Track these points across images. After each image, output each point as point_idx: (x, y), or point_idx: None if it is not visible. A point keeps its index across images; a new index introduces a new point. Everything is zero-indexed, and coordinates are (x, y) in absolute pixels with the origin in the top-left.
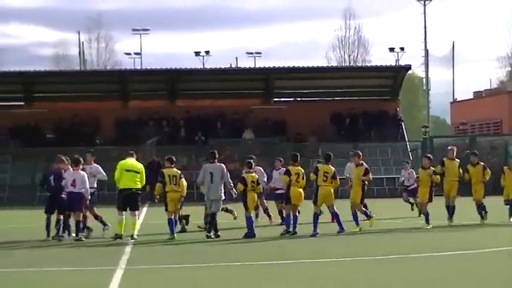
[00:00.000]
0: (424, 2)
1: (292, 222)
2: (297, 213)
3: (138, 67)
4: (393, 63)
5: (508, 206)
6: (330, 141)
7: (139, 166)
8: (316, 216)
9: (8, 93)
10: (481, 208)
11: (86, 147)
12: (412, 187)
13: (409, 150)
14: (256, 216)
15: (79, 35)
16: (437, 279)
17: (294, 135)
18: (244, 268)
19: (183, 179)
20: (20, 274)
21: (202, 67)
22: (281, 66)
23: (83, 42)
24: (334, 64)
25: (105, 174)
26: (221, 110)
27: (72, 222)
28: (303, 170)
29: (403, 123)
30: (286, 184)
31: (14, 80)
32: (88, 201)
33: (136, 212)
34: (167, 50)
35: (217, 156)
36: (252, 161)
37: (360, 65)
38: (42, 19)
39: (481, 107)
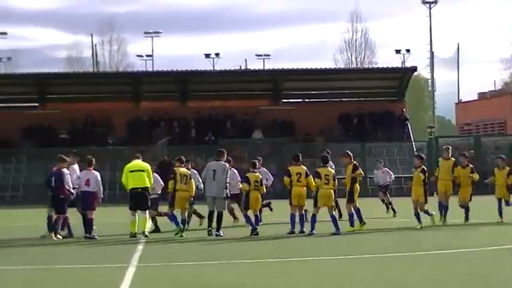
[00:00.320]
0: (430, 5)
1: (298, 221)
2: (303, 212)
3: (150, 69)
4: (399, 65)
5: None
6: (338, 142)
7: (144, 165)
8: (313, 218)
9: (23, 95)
10: (466, 209)
11: (99, 147)
12: (384, 184)
13: (414, 150)
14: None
15: (92, 37)
16: (444, 277)
17: (302, 136)
18: (252, 265)
19: (193, 179)
20: (34, 272)
21: (212, 69)
22: (289, 68)
23: (95, 44)
24: (342, 66)
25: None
26: (231, 110)
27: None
28: (305, 168)
29: (409, 124)
30: (288, 185)
31: (28, 82)
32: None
33: (147, 211)
34: (178, 52)
35: (225, 155)
36: (256, 161)
37: (366, 66)
38: (57, 22)
39: (486, 108)
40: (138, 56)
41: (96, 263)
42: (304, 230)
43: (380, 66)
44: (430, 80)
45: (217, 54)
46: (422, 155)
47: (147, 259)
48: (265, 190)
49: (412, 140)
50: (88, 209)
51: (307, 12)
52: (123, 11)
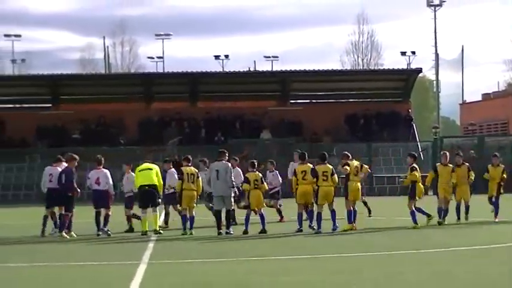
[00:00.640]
0: (435, 8)
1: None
2: (313, 209)
3: (161, 70)
4: (405, 67)
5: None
6: (344, 141)
7: (153, 165)
8: (319, 215)
9: (37, 96)
10: (459, 209)
11: (111, 147)
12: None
13: (420, 149)
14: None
15: (104, 39)
16: (449, 274)
17: (309, 136)
18: (260, 263)
19: (200, 178)
20: (47, 269)
21: (221, 70)
22: (297, 69)
23: (108, 46)
24: (348, 67)
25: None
26: (240, 111)
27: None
28: (311, 166)
29: (414, 124)
30: (294, 184)
31: (42, 83)
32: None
33: (158, 208)
34: (188, 54)
35: (226, 155)
36: (255, 161)
37: (372, 68)
38: (69, 25)
39: (489, 109)
40: (149, 57)
41: (108, 260)
42: (313, 225)
43: (386, 67)
44: (435, 81)
45: (226, 56)
46: (414, 153)
47: (157, 257)
48: (266, 188)
49: (418, 140)
50: (102, 206)
51: (315, 15)
52: (134, 14)
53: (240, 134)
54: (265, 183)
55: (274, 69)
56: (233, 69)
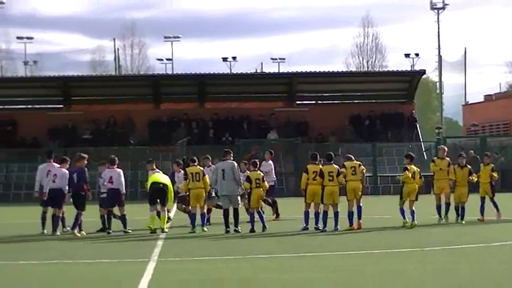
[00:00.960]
0: (438, 11)
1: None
2: (319, 210)
3: (170, 72)
4: (409, 68)
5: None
6: (349, 142)
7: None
8: (325, 214)
9: (48, 97)
10: (461, 210)
11: (121, 147)
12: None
13: (423, 149)
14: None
15: (114, 42)
16: (449, 271)
17: (315, 136)
18: (266, 260)
19: (207, 176)
20: (58, 266)
21: (229, 72)
22: (303, 71)
23: (118, 48)
24: (353, 69)
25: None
26: (247, 112)
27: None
28: (321, 167)
29: (418, 125)
30: (305, 182)
31: (53, 84)
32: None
33: (166, 208)
34: (197, 56)
35: (231, 154)
36: (257, 161)
37: (377, 70)
38: (80, 27)
39: (492, 109)
40: (158, 59)
41: (117, 257)
42: (319, 226)
43: (390, 69)
44: (438, 83)
45: (234, 58)
46: (411, 154)
47: (166, 254)
48: (267, 186)
49: (421, 140)
50: (117, 205)
51: (320, 18)
52: (144, 17)
53: (247, 134)
54: (265, 182)
55: (280, 70)
56: (240, 70)
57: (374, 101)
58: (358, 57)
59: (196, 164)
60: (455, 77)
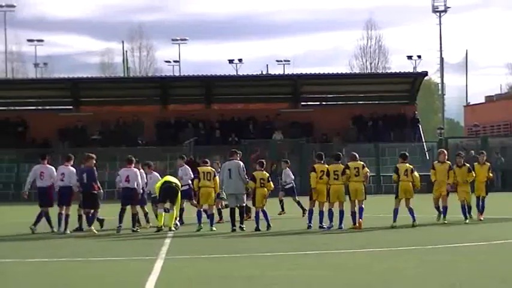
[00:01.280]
0: (440, 14)
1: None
2: (323, 209)
3: (177, 74)
4: (411, 70)
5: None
6: (353, 142)
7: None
8: (330, 212)
9: (58, 98)
10: (465, 208)
11: (129, 147)
12: (287, 186)
13: (425, 150)
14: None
15: (123, 44)
16: (452, 268)
17: (319, 137)
18: (272, 258)
19: (217, 176)
20: (68, 263)
21: (235, 74)
22: (308, 73)
23: (126, 51)
24: (357, 71)
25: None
26: (253, 113)
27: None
28: (327, 167)
29: (420, 125)
30: (314, 181)
31: (63, 86)
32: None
33: (174, 207)
34: (203, 58)
35: (237, 154)
36: (263, 161)
37: (380, 71)
38: (90, 30)
39: (492, 110)
40: (166, 61)
41: (126, 255)
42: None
43: (393, 71)
44: (440, 84)
45: (240, 60)
46: (405, 153)
47: (174, 252)
48: (272, 187)
49: (423, 140)
50: (130, 204)
51: (324, 21)
52: (152, 20)
53: (253, 135)
54: (270, 183)
55: (285, 72)
56: (246, 72)
57: (377, 102)
58: (362, 59)
59: (208, 164)
60: (457, 79)
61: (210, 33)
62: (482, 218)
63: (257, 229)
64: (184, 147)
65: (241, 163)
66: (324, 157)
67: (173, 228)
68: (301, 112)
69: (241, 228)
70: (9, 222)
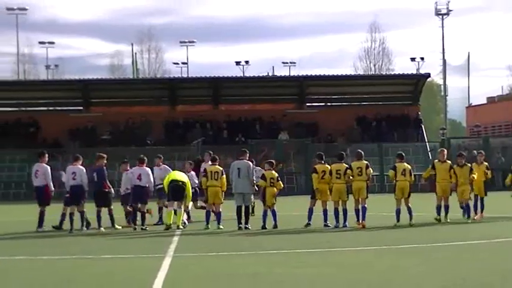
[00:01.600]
0: (442, 17)
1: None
2: (327, 208)
3: (185, 75)
4: (414, 72)
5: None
6: (357, 142)
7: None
8: (336, 211)
9: (69, 99)
10: (466, 208)
11: (138, 147)
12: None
13: (428, 150)
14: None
15: (132, 46)
16: (455, 266)
17: (324, 137)
18: (278, 256)
19: (224, 175)
20: (78, 261)
21: (242, 75)
22: (313, 74)
23: (135, 53)
24: (361, 73)
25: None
26: (259, 113)
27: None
28: (329, 167)
29: (423, 126)
30: (317, 182)
31: (73, 87)
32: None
33: (183, 206)
34: (211, 60)
35: (247, 154)
36: (273, 161)
37: (384, 73)
38: (100, 33)
39: (494, 111)
40: (174, 63)
41: (135, 253)
42: (328, 224)
43: (396, 73)
44: (442, 86)
45: (246, 62)
46: (401, 153)
47: (182, 250)
48: (281, 186)
49: (426, 140)
50: (140, 202)
51: (329, 24)
52: (160, 22)
53: (259, 135)
54: (280, 182)
55: (291, 74)
56: (253, 74)
57: (381, 103)
58: (366, 61)
59: (216, 163)
60: (459, 80)
61: (217, 35)
62: (482, 217)
63: (263, 227)
64: (192, 147)
65: (251, 163)
66: (324, 157)
67: (181, 227)
68: (307, 113)
69: (246, 228)
70: (20, 220)
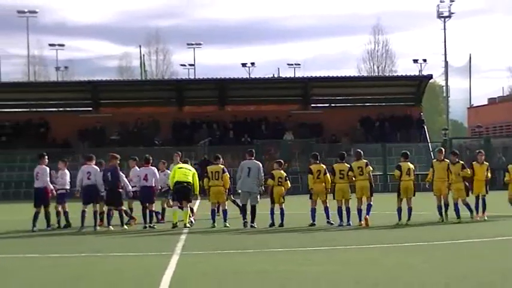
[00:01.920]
0: (444, 19)
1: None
2: (328, 205)
3: (192, 77)
4: (417, 73)
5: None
6: (361, 142)
7: (191, 168)
8: (339, 210)
9: (78, 100)
10: (466, 207)
11: (146, 147)
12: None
13: (430, 150)
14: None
15: (140, 48)
16: (459, 263)
17: (328, 137)
18: (283, 254)
19: (226, 173)
20: (88, 258)
21: (248, 77)
22: (317, 76)
23: (143, 55)
24: (365, 74)
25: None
26: (265, 114)
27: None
28: (324, 167)
29: (425, 126)
30: (312, 182)
31: (83, 88)
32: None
33: (189, 204)
34: (217, 61)
35: (254, 154)
36: (281, 160)
37: (387, 75)
38: (108, 35)
39: (495, 112)
40: (181, 65)
41: (143, 251)
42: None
43: (399, 74)
44: (444, 87)
45: (252, 64)
46: (407, 153)
47: (189, 248)
48: (289, 185)
49: (428, 141)
50: (148, 201)
51: (333, 26)
52: (168, 25)
53: (265, 135)
54: (287, 181)
55: (296, 75)
56: (259, 75)
57: (384, 104)
58: (369, 62)
59: (219, 162)
60: (461, 82)
61: (223, 38)
62: (486, 217)
63: (271, 225)
64: (199, 147)
65: (260, 164)
66: (318, 157)
67: (188, 225)
68: (311, 113)
69: (252, 227)
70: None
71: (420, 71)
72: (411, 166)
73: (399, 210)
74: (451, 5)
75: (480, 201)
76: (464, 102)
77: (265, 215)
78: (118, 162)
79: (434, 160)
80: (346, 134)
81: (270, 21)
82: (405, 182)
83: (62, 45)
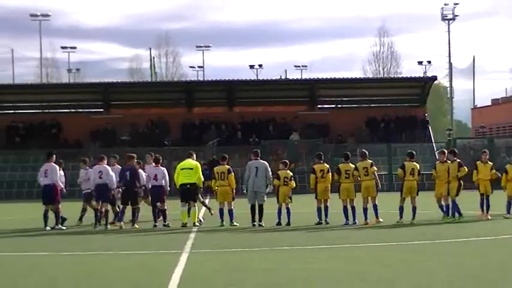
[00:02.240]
0: (448, 22)
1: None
2: (328, 205)
3: (201, 78)
4: (421, 75)
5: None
6: (366, 142)
7: (193, 163)
8: (345, 209)
9: (90, 101)
10: (454, 205)
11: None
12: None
13: (435, 150)
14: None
15: (150, 51)
16: (463, 261)
17: (335, 137)
18: (290, 252)
19: (232, 174)
20: (99, 257)
21: (256, 78)
22: (324, 77)
23: (153, 57)
24: (370, 76)
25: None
26: (272, 115)
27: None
28: (327, 166)
29: (429, 127)
30: (313, 182)
31: (94, 90)
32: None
33: (197, 204)
34: (226, 63)
35: (259, 154)
36: (287, 161)
37: (392, 76)
38: (119, 38)
39: (498, 112)
40: (190, 67)
41: (153, 249)
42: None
43: (404, 76)
44: (448, 88)
45: (260, 65)
46: (412, 152)
47: (198, 246)
48: (294, 185)
49: (433, 141)
50: (158, 201)
51: (340, 28)
52: (177, 28)
53: (272, 135)
54: (293, 181)
55: (303, 77)
56: (266, 77)
57: (389, 105)
58: (375, 64)
59: (225, 162)
60: (465, 83)
61: (232, 40)
62: (488, 217)
63: (278, 223)
64: (207, 147)
65: (267, 163)
66: (322, 157)
67: (197, 224)
68: (318, 114)
69: (260, 226)
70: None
71: (425, 72)
72: (416, 166)
73: (401, 208)
74: (455, 7)
75: (484, 200)
76: (468, 103)
77: (272, 214)
78: (135, 161)
79: (437, 162)
80: (352, 135)
81: (277, 23)
82: (409, 181)
83: (74, 47)
